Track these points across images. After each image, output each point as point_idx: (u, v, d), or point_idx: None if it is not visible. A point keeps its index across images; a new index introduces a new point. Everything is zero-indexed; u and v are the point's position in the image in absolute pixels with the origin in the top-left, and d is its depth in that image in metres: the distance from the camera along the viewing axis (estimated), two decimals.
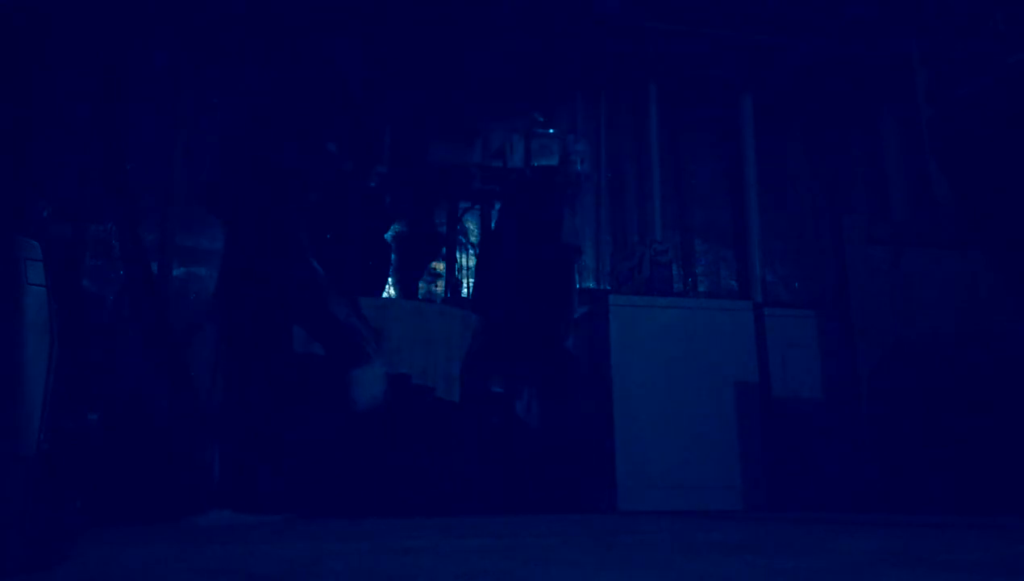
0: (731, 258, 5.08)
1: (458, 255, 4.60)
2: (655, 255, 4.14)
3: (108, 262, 4.13)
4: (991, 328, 3.45)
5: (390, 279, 4.31)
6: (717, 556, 1.24)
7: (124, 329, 3.99)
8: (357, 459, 3.45)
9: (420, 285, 4.52)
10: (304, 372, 3.48)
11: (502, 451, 3.57)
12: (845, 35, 4.78)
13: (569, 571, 1.07)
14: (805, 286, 5.07)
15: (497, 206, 4.50)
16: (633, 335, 3.80)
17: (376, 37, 4.55)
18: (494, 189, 4.42)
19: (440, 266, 4.58)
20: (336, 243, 3.85)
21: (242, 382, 3.03)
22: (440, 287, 4.55)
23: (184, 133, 4.39)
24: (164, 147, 4.35)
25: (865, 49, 4.85)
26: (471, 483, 3.48)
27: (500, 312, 3.75)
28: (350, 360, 3.00)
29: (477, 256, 4.49)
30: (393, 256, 4.24)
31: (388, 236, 4.20)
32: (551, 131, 4.30)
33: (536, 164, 4.17)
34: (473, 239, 4.65)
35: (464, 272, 4.58)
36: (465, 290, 4.48)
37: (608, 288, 4.62)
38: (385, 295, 4.22)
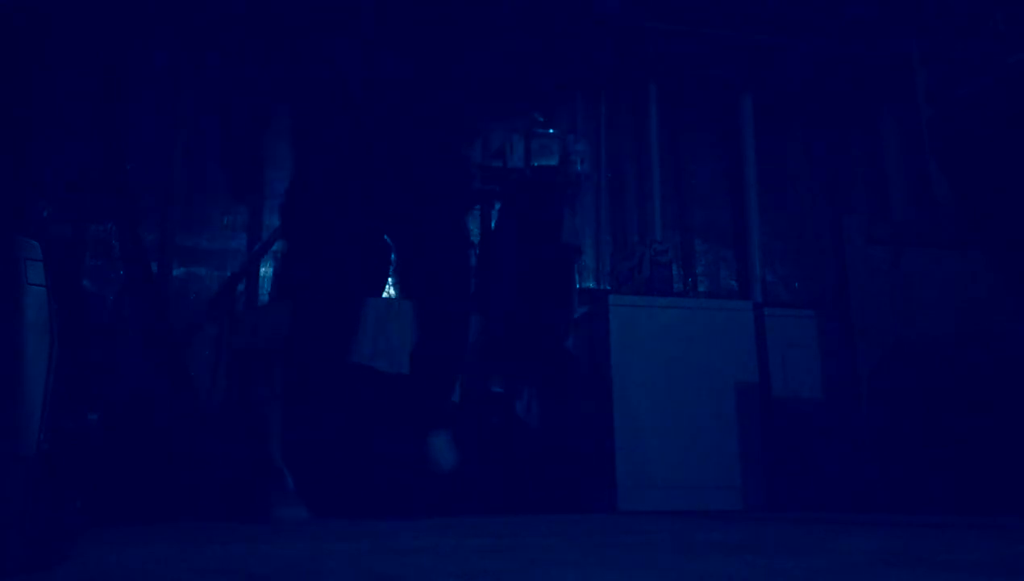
0: (731, 258, 5.08)
1: None
2: (655, 255, 4.14)
3: (108, 262, 4.13)
4: (991, 328, 3.45)
5: (390, 279, 4.30)
6: (717, 556, 1.24)
7: (124, 329, 3.99)
8: (357, 459, 3.45)
9: None
10: (310, 372, 3.48)
11: (502, 451, 3.57)
12: (845, 35, 4.78)
13: (569, 571, 1.07)
14: (805, 286, 5.07)
15: (497, 206, 4.50)
16: (633, 335, 3.80)
17: (376, 37, 4.55)
18: (494, 189, 4.42)
19: None
20: (336, 243, 3.85)
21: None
22: None
23: (184, 133, 4.39)
24: (164, 147, 4.35)
25: (865, 49, 4.85)
26: (471, 483, 3.48)
27: (500, 312, 3.75)
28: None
29: (477, 256, 4.49)
30: (393, 256, 4.24)
31: (388, 236, 4.20)
32: (551, 131, 4.30)
33: (536, 164, 4.17)
34: (473, 239, 4.65)
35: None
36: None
37: (608, 288, 4.62)
38: (385, 295, 4.22)
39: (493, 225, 4.47)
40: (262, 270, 4.37)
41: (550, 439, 3.65)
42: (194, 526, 2.48)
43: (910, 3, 4.24)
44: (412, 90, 3.15)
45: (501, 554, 1.30)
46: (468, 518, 2.88)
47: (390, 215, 3.12)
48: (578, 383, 3.86)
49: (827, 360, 3.97)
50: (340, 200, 3.87)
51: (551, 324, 3.83)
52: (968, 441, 3.25)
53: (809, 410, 3.91)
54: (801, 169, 5.29)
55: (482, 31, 4.44)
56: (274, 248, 4.34)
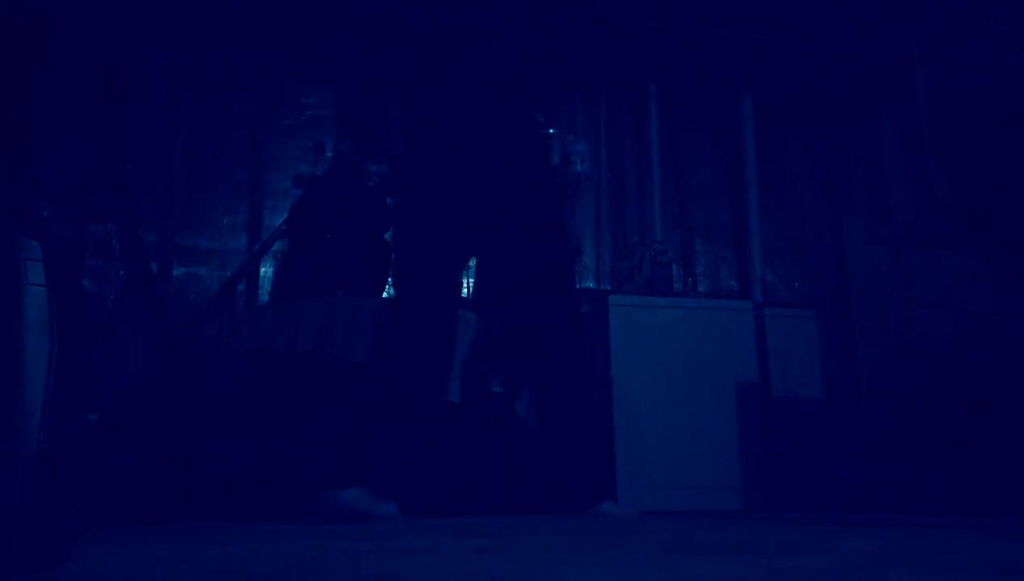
0: (731, 258, 5.08)
1: None
2: (655, 255, 4.14)
3: (108, 262, 4.13)
4: (991, 328, 3.45)
5: (390, 279, 4.30)
6: (717, 556, 1.24)
7: (124, 329, 3.99)
8: (357, 460, 3.45)
9: None
10: (310, 372, 3.48)
11: (502, 451, 3.57)
12: (845, 35, 4.78)
13: (570, 571, 1.06)
14: (805, 286, 5.07)
15: None
16: (633, 335, 3.80)
17: (375, 37, 4.55)
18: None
19: None
20: (336, 243, 3.85)
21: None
22: None
23: (184, 133, 4.39)
24: (164, 147, 4.35)
25: (865, 49, 4.85)
26: (471, 483, 3.48)
27: (500, 312, 3.74)
28: None
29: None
30: (393, 256, 4.24)
31: (388, 236, 4.20)
32: (551, 131, 4.30)
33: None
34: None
35: (464, 272, 4.58)
36: (465, 290, 4.48)
37: (608, 288, 4.62)
38: (385, 295, 4.22)
39: None
40: (262, 270, 4.37)
41: (550, 439, 3.65)
42: (194, 526, 2.47)
43: (910, 3, 4.24)
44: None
45: (501, 554, 1.30)
46: (468, 518, 2.88)
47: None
48: (578, 383, 3.85)
49: (827, 360, 3.97)
50: (340, 200, 3.87)
51: (551, 324, 3.82)
52: (968, 441, 3.25)
53: (809, 410, 3.91)
54: (801, 169, 5.29)
55: (482, 31, 4.44)
56: (274, 248, 4.35)
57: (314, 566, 1.16)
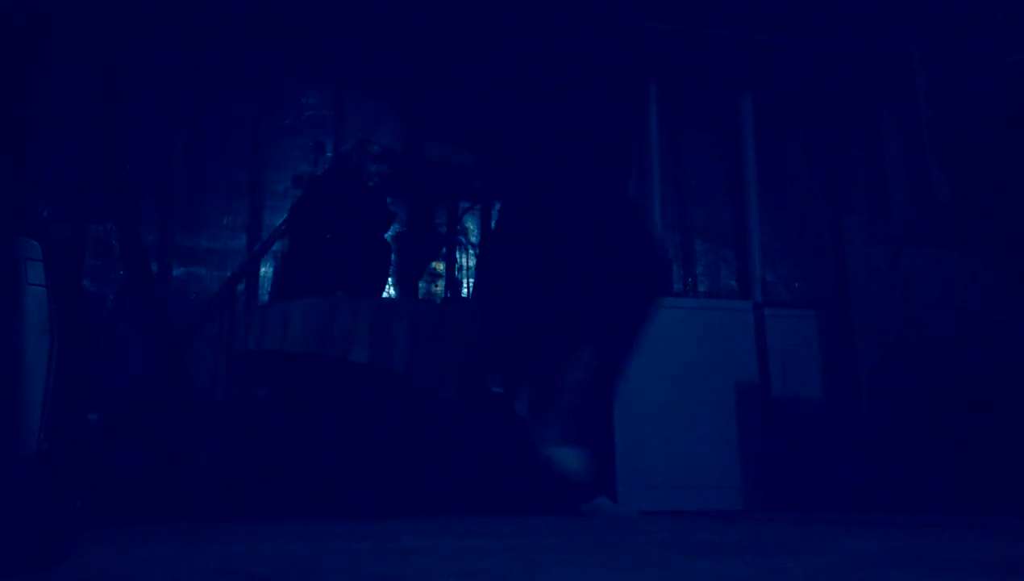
0: (731, 258, 5.08)
1: (458, 255, 4.60)
2: None
3: (108, 262, 4.13)
4: (991, 328, 3.45)
5: (390, 279, 4.31)
6: (717, 556, 1.24)
7: (124, 329, 3.99)
8: (357, 460, 3.45)
9: (420, 285, 4.51)
10: (310, 372, 3.48)
11: (502, 451, 3.57)
12: (845, 35, 4.78)
13: (570, 571, 1.06)
14: (805, 286, 5.07)
15: (497, 206, 4.50)
16: None
17: (376, 37, 4.55)
18: (494, 189, 4.42)
19: (440, 266, 4.58)
20: (336, 243, 3.85)
21: None
22: (440, 287, 4.55)
23: (184, 133, 4.39)
24: (164, 147, 4.35)
25: (865, 49, 4.85)
26: (471, 483, 3.48)
27: (500, 312, 3.74)
28: None
29: (477, 256, 4.49)
30: (393, 256, 4.24)
31: (388, 236, 4.20)
32: None
33: None
34: (473, 239, 4.65)
35: (464, 272, 4.58)
36: (465, 290, 4.48)
37: None
38: (385, 295, 4.22)
39: (493, 225, 4.48)
40: (262, 270, 4.37)
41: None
42: (194, 526, 2.48)
43: (910, 3, 4.24)
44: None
45: (501, 554, 1.30)
46: (468, 518, 2.88)
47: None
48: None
49: (827, 360, 3.97)
50: (340, 200, 3.87)
51: (551, 324, 3.82)
52: (968, 441, 3.25)
53: (809, 410, 3.91)
54: (801, 169, 5.28)
55: (482, 31, 4.45)
56: (274, 248, 4.35)
57: (314, 566, 1.16)
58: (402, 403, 3.48)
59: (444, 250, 4.59)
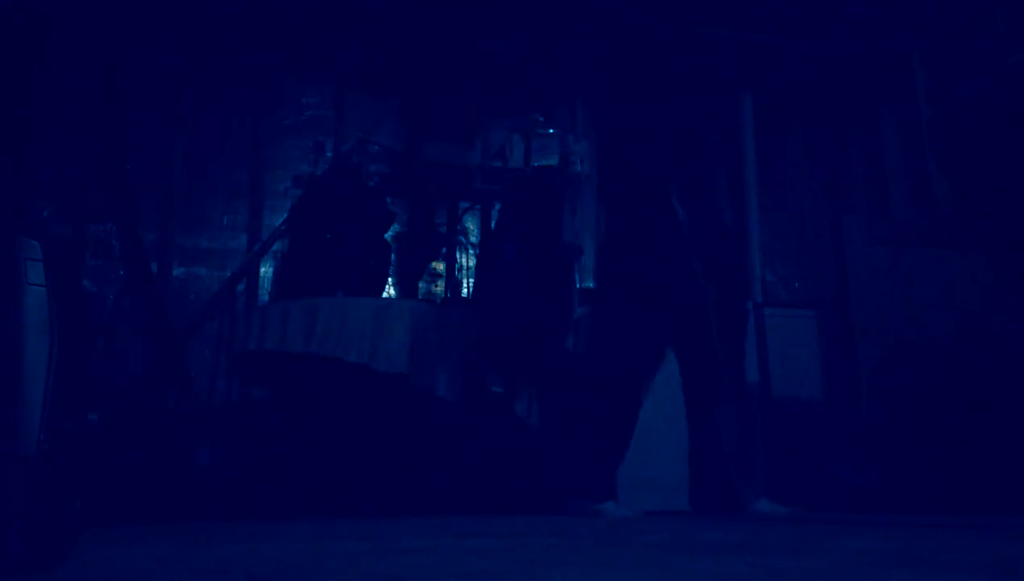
0: None
1: (458, 255, 4.60)
2: None
3: (108, 262, 4.13)
4: (991, 328, 3.45)
5: (390, 279, 4.30)
6: (717, 556, 1.24)
7: (124, 329, 3.99)
8: (357, 459, 3.45)
9: (420, 285, 4.51)
10: (310, 372, 3.48)
11: (502, 451, 3.57)
12: (845, 35, 4.77)
13: (570, 571, 1.07)
14: (805, 286, 5.07)
15: (497, 206, 4.50)
16: None
17: (376, 37, 4.55)
18: (494, 189, 4.42)
19: (440, 266, 4.58)
20: (336, 243, 3.85)
21: None
22: (440, 287, 4.55)
23: (184, 133, 4.39)
24: (164, 147, 4.35)
25: (865, 49, 4.84)
26: (471, 483, 3.48)
27: (500, 312, 3.75)
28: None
29: (477, 256, 4.49)
30: (393, 256, 4.24)
31: (388, 236, 4.20)
32: (551, 131, 4.30)
33: (536, 164, 4.17)
34: (473, 239, 4.65)
35: (464, 272, 4.58)
36: (465, 290, 4.48)
37: None
38: (385, 295, 4.22)
39: (493, 225, 4.48)
40: (262, 270, 4.37)
41: (550, 439, 3.65)
42: (194, 526, 2.48)
43: (910, 3, 4.24)
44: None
45: (501, 554, 1.30)
46: (468, 518, 2.88)
47: None
48: (578, 383, 3.85)
49: (827, 360, 3.97)
50: (340, 200, 3.87)
51: (551, 324, 3.83)
52: (968, 441, 3.25)
53: (809, 410, 3.91)
54: (801, 169, 5.28)
55: (482, 31, 4.45)
56: (274, 248, 4.35)
57: (314, 566, 1.16)
58: (402, 403, 3.48)
59: (444, 250, 4.59)
